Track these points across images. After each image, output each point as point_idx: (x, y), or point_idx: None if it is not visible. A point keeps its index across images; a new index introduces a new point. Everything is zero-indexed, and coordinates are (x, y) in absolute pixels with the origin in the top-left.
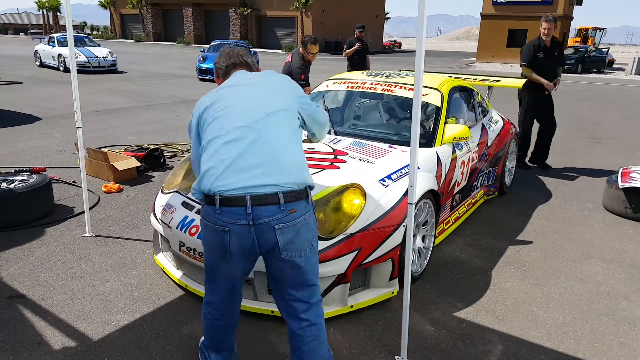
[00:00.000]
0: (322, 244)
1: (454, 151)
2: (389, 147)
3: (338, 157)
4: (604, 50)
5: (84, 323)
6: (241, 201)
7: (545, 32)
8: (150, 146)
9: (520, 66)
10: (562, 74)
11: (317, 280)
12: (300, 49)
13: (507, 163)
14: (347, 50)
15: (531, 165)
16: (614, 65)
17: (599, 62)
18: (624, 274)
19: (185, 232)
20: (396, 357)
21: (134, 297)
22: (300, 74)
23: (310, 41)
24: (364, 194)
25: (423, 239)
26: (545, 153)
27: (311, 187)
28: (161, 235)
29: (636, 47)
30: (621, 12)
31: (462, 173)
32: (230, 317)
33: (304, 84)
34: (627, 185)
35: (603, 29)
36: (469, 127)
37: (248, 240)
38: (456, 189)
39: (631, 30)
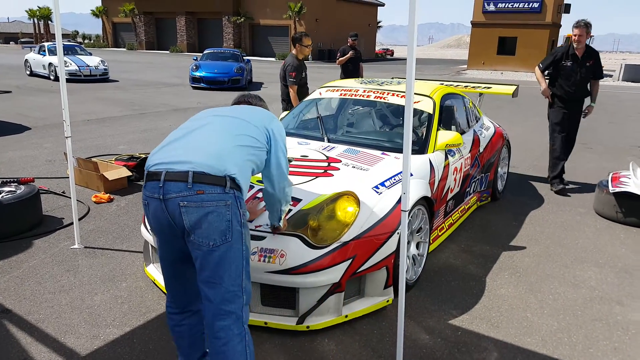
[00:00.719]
0: (316, 253)
1: (446, 158)
2: (382, 154)
3: (331, 164)
4: None
5: (72, 338)
6: (158, 176)
7: (576, 38)
8: (141, 155)
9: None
10: (598, 91)
11: (232, 287)
12: (294, 49)
13: (499, 169)
14: (340, 59)
15: (564, 186)
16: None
17: None
18: (616, 279)
19: None
20: None
21: (124, 310)
22: (292, 71)
23: (304, 34)
24: (357, 202)
25: (417, 246)
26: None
27: (235, 181)
28: (152, 246)
29: (622, 54)
30: (607, 20)
31: (455, 179)
32: (184, 307)
33: (293, 81)
34: (617, 189)
35: (591, 36)
36: (461, 134)
37: (163, 217)
38: (449, 196)
39: (617, 38)
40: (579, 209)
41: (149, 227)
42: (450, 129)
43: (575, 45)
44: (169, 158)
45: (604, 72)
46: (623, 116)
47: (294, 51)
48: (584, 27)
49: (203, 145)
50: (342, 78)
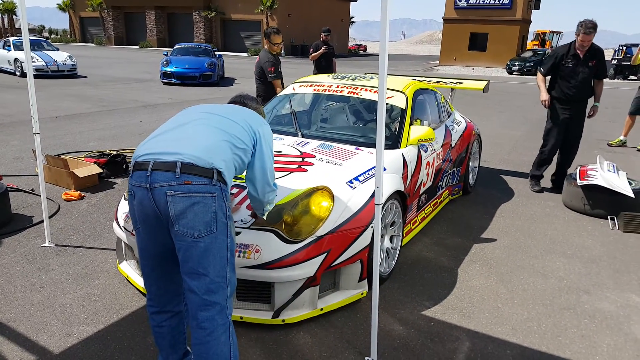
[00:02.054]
0: (290, 247)
1: (419, 152)
2: (355, 149)
3: (306, 159)
4: None
5: (44, 336)
6: (145, 165)
7: (584, 44)
8: (112, 152)
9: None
10: (601, 91)
11: (217, 278)
12: (265, 44)
13: (470, 163)
14: (313, 54)
15: (543, 188)
16: None
17: None
18: (584, 269)
19: None
20: (366, 358)
21: (97, 307)
22: (270, 66)
23: (273, 31)
24: (332, 196)
25: (391, 240)
26: (560, 177)
27: (221, 174)
28: (125, 243)
29: None
30: (576, 16)
31: (428, 174)
32: (163, 305)
33: (275, 76)
34: (585, 182)
35: (560, 32)
36: (434, 129)
37: (149, 206)
38: (422, 190)
39: None
40: (548, 202)
41: (132, 221)
42: (423, 124)
43: (577, 46)
44: (157, 149)
45: None
46: None
47: (266, 46)
48: (593, 30)
49: (192, 138)
50: (315, 74)
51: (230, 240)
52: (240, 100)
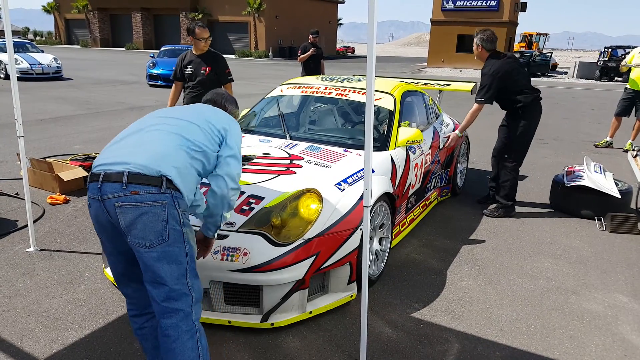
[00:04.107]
0: (279, 250)
1: (407, 154)
2: (344, 151)
3: (294, 162)
4: (547, 54)
5: (29, 342)
6: (97, 177)
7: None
8: (97, 155)
9: None
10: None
11: (176, 286)
12: (191, 41)
13: (458, 165)
14: (301, 56)
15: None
16: (557, 69)
17: (543, 66)
18: (571, 269)
19: None
20: None
21: (83, 312)
22: (195, 68)
23: (197, 25)
24: (320, 199)
25: (380, 242)
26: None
27: (172, 182)
28: None
29: (577, 52)
30: (562, 18)
31: (416, 175)
32: (143, 308)
33: (173, 77)
34: (572, 183)
35: (546, 34)
36: (422, 131)
37: (104, 218)
38: (411, 191)
39: (572, 36)
40: (536, 203)
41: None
42: (411, 126)
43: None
44: (109, 159)
45: (559, 69)
46: (577, 112)
47: (190, 40)
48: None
49: (142, 146)
50: (303, 75)
51: (188, 247)
52: (212, 98)
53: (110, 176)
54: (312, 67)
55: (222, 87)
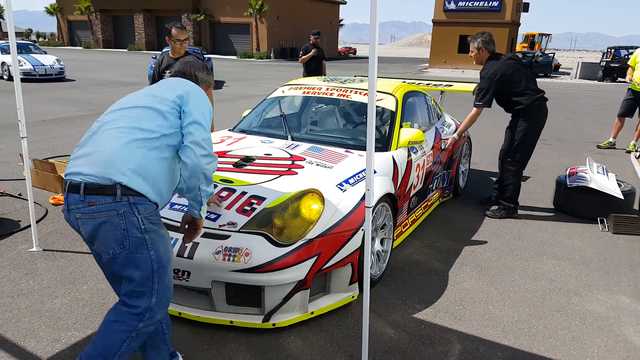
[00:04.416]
0: (281, 251)
1: (409, 155)
2: (346, 151)
3: (296, 162)
4: (550, 55)
5: (32, 341)
6: (65, 186)
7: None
8: None
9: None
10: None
11: (140, 287)
12: (170, 44)
13: (460, 166)
14: (303, 57)
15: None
16: (559, 70)
17: (546, 67)
18: (574, 270)
19: None
20: None
21: (85, 312)
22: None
23: (174, 26)
24: (322, 199)
25: (381, 242)
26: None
27: (128, 188)
28: None
29: (579, 52)
30: (565, 19)
31: (418, 176)
32: None
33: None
34: (575, 184)
35: (548, 35)
36: (424, 131)
37: (75, 225)
38: (412, 192)
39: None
40: (538, 204)
41: None
42: (413, 127)
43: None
44: (71, 168)
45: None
46: (580, 113)
47: (168, 42)
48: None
49: (95, 154)
50: (304, 76)
51: (153, 253)
52: (189, 72)
53: (72, 187)
54: (313, 68)
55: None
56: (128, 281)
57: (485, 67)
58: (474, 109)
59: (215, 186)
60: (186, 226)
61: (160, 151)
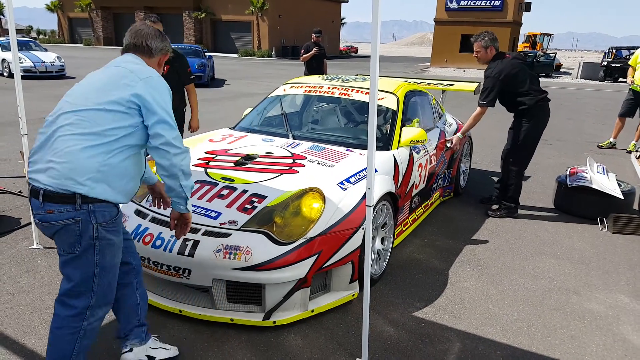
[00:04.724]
0: (281, 249)
1: (411, 154)
2: (347, 150)
3: (297, 161)
4: (551, 55)
5: (33, 339)
6: (29, 187)
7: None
8: None
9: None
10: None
11: (78, 287)
12: None
13: (461, 165)
14: (304, 55)
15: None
16: (561, 70)
17: (547, 67)
18: (573, 270)
19: (139, 241)
20: (357, 359)
21: None
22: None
23: (150, 18)
24: (323, 198)
25: (382, 241)
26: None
27: (87, 197)
28: None
29: (581, 52)
30: (566, 19)
31: (421, 176)
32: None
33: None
34: (575, 184)
35: (550, 34)
36: (427, 131)
37: (38, 225)
38: (415, 191)
39: (576, 37)
40: (539, 203)
41: None
42: (414, 126)
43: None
44: (31, 172)
45: (563, 69)
46: (581, 113)
47: None
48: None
49: (51, 162)
50: (305, 75)
51: (99, 258)
52: (140, 43)
53: (33, 192)
54: (314, 67)
55: (185, 88)
56: (68, 279)
57: (490, 66)
58: (479, 108)
59: (217, 184)
60: (175, 222)
61: (122, 152)
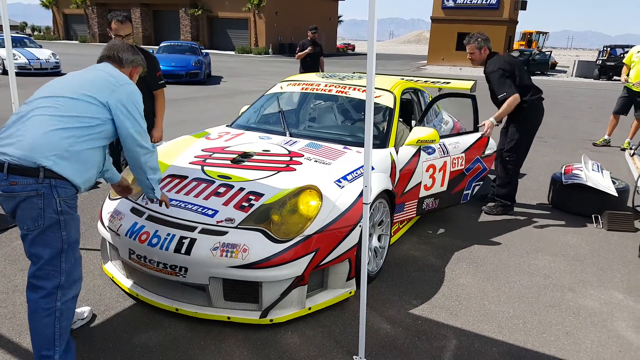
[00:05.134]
0: (278, 247)
1: (417, 153)
2: (344, 148)
3: (294, 159)
4: (547, 53)
5: (28, 338)
6: None
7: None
8: None
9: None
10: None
11: (47, 266)
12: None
13: None
14: (299, 53)
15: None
16: (556, 68)
17: (543, 65)
18: (568, 267)
19: (134, 239)
20: (354, 357)
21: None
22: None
23: (116, 19)
24: (320, 196)
25: (379, 239)
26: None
27: (51, 171)
28: (109, 243)
29: (576, 51)
30: (562, 17)
31: (433, 177)
32: None
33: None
34: (570, 181)
35: (546, 33)
36: (458, 133)
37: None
38: (425, 193)
39: (571, 35)
40: (534, 201)
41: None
42: (410, 123)
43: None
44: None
45: (558, 67)
46: (576, 111)
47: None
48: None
49: (21, 136)
50: (301, 73)
51: (65, 234)
52: (112, 54)
53: None
54: (309, 65)
55: (153, 93)
56: (36, 259)
57: (488, 63)
58: (511, 97)
59: (214, 182)
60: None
61: (91, 141)
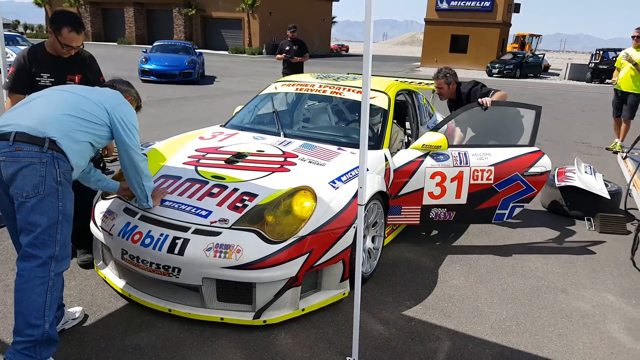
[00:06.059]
0: (272, 248)
1: (420, 159)
2: (338, 149)
3: (288, 159)
4: (539, 56)
5: None
6: None
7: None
8: None
9: None
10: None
11: (43, 235)
12: (50, 38)
13: None
14: (278, 55)
15: None
16: (549, 71)
17: (536, 67)
18: (561, 269)
19: (127, 239)
20: (347, 358)
21: None
22: (14, 65)
23: (69, 27)
24: (314, 197)
25: (373, 240)
26: None
27: (55, 143)
28: (102, 243)
29: (569, 54)
30: (555, 20)
31: (440, 185)
32: None
33: (6, 84)
34: (563, 184)
35: (539, 35)
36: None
37: None
38: (432, 202)
39: (564, 38)
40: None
41: None
42: (405, 125)
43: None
44: (2, 122)
45: (551, 70)
46: (568, 113)
47: (51, 38)
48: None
49: (31, 112)
50: (283, 74)
51: (62, 205)
52: (109, 83)
53: (1, 136)
54: (291, 64)
55: None
56: (33, 227)
57: (462, 87)
58: (501, 91)
59: (207, 182)
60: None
61: (89, 134)
